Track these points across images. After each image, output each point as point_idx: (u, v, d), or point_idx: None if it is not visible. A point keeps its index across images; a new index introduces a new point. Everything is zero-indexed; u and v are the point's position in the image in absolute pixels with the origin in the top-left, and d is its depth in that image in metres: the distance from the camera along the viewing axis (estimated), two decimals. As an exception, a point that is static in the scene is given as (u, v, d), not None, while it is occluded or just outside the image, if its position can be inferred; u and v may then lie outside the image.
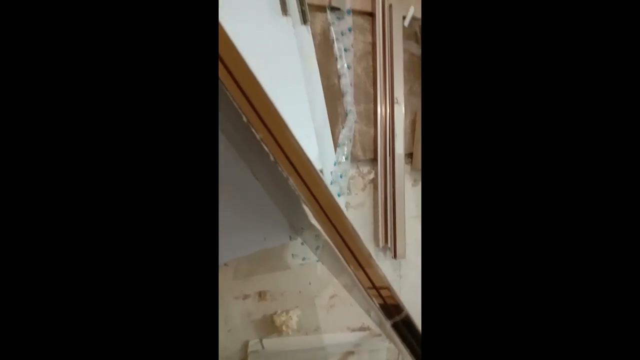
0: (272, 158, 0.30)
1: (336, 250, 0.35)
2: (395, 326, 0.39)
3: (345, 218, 0.36)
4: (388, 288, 0.40)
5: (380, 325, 0.40)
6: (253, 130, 0.30)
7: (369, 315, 0.51)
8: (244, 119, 0.32)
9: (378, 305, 0.40)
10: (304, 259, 0.72)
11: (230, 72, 0.33)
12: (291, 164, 0.33)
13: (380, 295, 0.40)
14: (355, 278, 0.36)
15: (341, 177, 0.72)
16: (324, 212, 0.33)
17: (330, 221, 0.33)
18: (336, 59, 0.73)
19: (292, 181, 0.32)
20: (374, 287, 0.40)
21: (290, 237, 0.68)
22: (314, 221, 0.34)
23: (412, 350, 0.42)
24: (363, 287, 0.37)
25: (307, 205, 0.34)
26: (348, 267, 0.37)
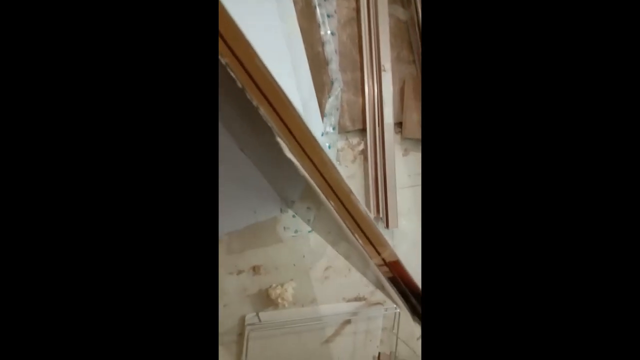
0: (261, 112, 0.28)
1: (336, 215, 0.34)
2: (393, 280, 0.39)
3: (342, 178, 0.35)
4: (385, 246, 0.40)
5: (378, 285, 0.40)
6: (237, 82, 0.29)
7: (365, 276, 0.51)
8: (238, 84, 0.30)
9: (376, 266, 0.40)
10: (296, 231, 0.72)
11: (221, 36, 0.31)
12: (279, 116, 0.31)
13: (378, 253, 0.40)
14: (357, 242, 0.35)
15: (329, 147, 0.71)
16: (318, 171, 0.32)
17: (326, 182, 0.32)
18: (319, 25, 0.71)
19: (282, 137, 0.30)
20: (371, 243, 0.39)
21: (281, 209, 0.68)
22: (310, 180, 0.32)
23: (413, 309, 0.42)
24: (365, 251, 0.37)
25: (300, 164, 0.32)
26: (351, 233, 0.36)
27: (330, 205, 0.32)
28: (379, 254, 0.35)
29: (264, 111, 0.27)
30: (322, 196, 0.31)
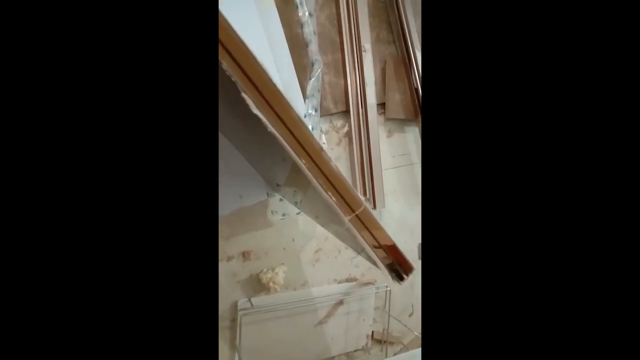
0: (224, 66, 0.28)
1: (309, 174, 0.34)
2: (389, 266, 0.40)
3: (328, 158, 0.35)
4: (380, 229, 0.40)
5: (370, 260, 0.41)
6: (223, 65, 0.28)
7: (359, 253, 0.52)
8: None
9: (371, 246, 0.40)
10: (283, 214, 0.72)
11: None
12: (261, 94, 0.31)
13: (373, 236, 0.40)
14: (331, 201, 0.35)
15: (313, 129, 0.71)
16: (287, 128, 0.31)
17: (295, 139, 0.32)
18: (296, 6, 0.70)
19: (247, 92, 0.30)
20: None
21: (267, 193, 0.68)
22: (297, 160, 0.32)
23: (397, 275, 0.43)
24: (340, 210, 0.37)
25: (286, 144, 0.32)
26: (342, 214, 0.37)
27: (302, 163, 0.32)
28: (353, 211, 0.36)
29: (226, 65, 0.27)
30: (294, 155, 0.31)
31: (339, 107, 0.82)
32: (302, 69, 0.74)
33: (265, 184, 0.66)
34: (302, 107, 0.70)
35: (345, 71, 0.81)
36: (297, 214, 0.74)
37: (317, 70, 0.70)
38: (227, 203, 0.63)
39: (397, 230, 0.92)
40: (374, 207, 0.86)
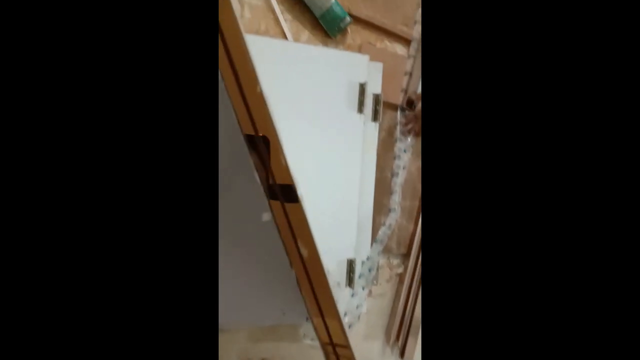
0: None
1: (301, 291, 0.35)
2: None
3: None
4: (348, 347, 0.38)
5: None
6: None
7: None
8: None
9: None
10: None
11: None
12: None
13: (335, 353, 0.38)
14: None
15: (370, 271, 0.73)
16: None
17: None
18: (394, 157, 0.76)
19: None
20: (331, 343, 0.38)
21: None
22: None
23: None
24: (320, 342, 0.37)
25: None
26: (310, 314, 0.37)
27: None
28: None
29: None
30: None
31: (401, 249, 0.84)
32: (379, 209, 0.79)
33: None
34: (369, 248, 0.72)
35: (417, 219, 0.84)
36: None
37: (394, 219, 0.74)
38: (269, 316, 0.66)
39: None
40: (401, 355, 0.83)
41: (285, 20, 0.70)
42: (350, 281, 0.70)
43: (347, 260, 0.70)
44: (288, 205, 0.38)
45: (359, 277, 0.70)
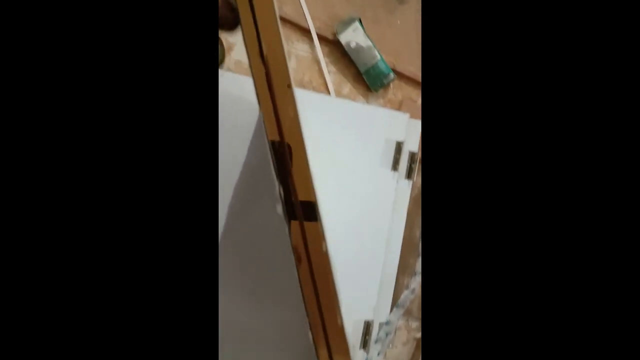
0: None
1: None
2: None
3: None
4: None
5: None
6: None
7: None
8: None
9: None
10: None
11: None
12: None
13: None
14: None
15: (386, 335, 0.69)
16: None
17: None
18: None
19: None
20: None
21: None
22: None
23: None
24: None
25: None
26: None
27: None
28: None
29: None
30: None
31: (421, 314, 0.79)
32: (404, 269, 0.75)
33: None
34: (388, 311, 0.69)
35: (443, 283, 0.80)
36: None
37: (418, 282, 0.70)
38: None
39: None
40: None
41: (329, 72, 0.71)
42: (365, 344, 0.67)
43: (365, 322, 0.67)
44: (309, 227, 0.35)
45: (375, 341, 0.67)
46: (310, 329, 0.35)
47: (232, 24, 0.33)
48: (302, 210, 0.37)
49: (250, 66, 0.34)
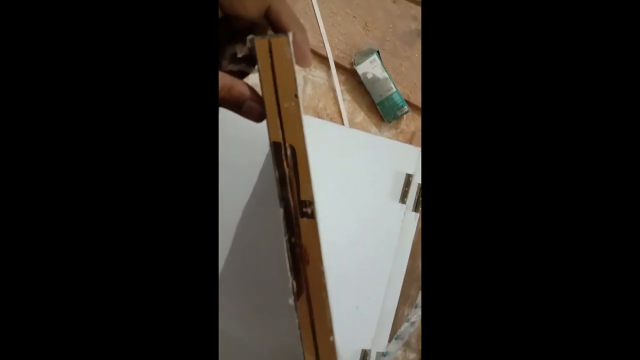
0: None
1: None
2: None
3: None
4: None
5: None
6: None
7: None
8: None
9: None
10: None
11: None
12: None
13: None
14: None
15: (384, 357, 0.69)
16: None
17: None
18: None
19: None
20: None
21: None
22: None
23: None
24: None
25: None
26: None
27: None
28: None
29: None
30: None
31: (420, 345, 0.79)
32: (405, 299, 0.75)
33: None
34: (386, 342, 0.69)
35: (443, 316, 0.80)
36: None
37: (418, 316, 0.70)
38: None
39: None
40: None
41: (344, 99, 0.71)
42: (361, 374, 0.67)
43: (362, 351, 0.67)
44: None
45: (371, 373, 0.66)
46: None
47: (257, 117, 0.34)
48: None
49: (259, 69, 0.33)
